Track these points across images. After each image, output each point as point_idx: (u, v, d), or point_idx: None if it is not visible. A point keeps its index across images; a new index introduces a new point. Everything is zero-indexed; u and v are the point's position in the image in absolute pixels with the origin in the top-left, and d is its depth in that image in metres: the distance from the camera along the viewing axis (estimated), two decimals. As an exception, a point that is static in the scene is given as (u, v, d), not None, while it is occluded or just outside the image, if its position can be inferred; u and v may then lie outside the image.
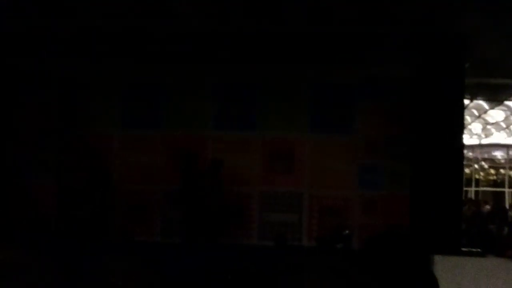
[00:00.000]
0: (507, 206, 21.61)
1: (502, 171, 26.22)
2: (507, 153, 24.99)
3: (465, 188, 20.15)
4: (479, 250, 10.49)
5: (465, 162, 18.05)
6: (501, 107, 19.32)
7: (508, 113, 20.16)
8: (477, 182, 26.34)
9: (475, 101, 18.32)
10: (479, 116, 20.95)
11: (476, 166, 26.19)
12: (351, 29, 10.63)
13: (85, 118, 12.78)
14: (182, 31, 10.96)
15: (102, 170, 12.06)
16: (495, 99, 18.00)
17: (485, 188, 26.50)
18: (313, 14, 9.74)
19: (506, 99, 17.96)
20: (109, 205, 12.13)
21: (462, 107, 12.78)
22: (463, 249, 10.72)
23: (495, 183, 26.79)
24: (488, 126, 23.08)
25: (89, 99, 12.83)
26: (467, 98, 16.66)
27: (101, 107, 12.83)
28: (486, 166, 26.79)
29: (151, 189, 12.67)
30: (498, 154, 25.83)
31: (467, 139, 22.88)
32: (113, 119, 12.83)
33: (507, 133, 23.58)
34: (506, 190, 25.08)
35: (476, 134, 24.39)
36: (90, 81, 12.81)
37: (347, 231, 12.08)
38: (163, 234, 12.58)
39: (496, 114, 20.79)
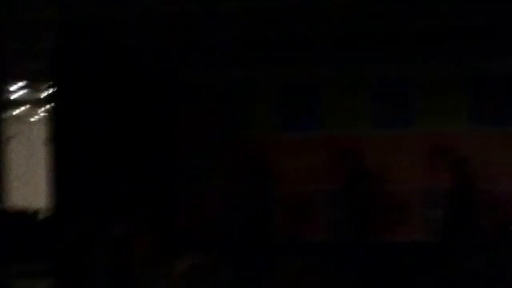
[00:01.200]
0: None
1: None
2: None
3: None
4: None
5: None
6: None
7: None
8: None
9: None
10: None
11: None
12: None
13: (247, 123, 13.09)
14: (331, 34, 11.00)
15: (264, 173, 12.31)
16: None
17: None
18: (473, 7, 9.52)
19: None
20: (274, 206, 12.40)
21: None
22: None
23: None
24: None
25: (251, 104, 13.15)
26: None
27: (262, 111, 13.11)
28: None
29: (316, 188, 12.80)
30: None
31: None
32: (274, 123, 13.07)
33: None
34: None
35: None
36: (252, 86, 13.15)
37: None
38: (329, 233, 12.67)
39: None
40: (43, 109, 18.78)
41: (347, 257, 10.90)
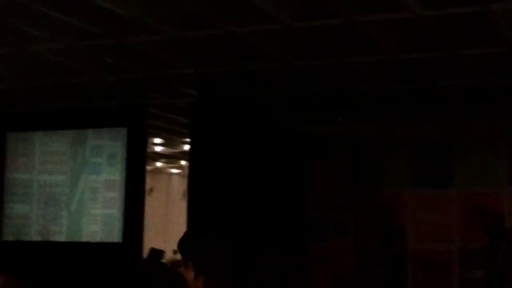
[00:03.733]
0: None
1: None
2: None
3: None
4: None
5: None
6: None
7: None
8: None
9: None
10: None
11: None
12: None
13: (377, 178, 13.04)
14: (466, 87, 10.85)
15: (397, 229, 12.18)
16: None
17: None
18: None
19: None
20: (404, 264, 12.22)
21: None
22: None
23: None
24: None
25: (380, 160, 13.11)
26: None
27: (391, 166, 13.04)
28: None
29: (446, 247, 12.54)
30: None
31: None
32: (403, 178, 12.97)
33: None
34: None
35: None
36: (381, 142, 13.12)
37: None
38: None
39: None
40: (183, 162, 19.40)
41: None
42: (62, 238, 11.36)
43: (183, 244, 3.75)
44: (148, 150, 15.12)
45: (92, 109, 11.77)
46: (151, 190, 19.34)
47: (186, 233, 3.88)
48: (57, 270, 11.01)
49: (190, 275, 3.65)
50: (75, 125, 11.56)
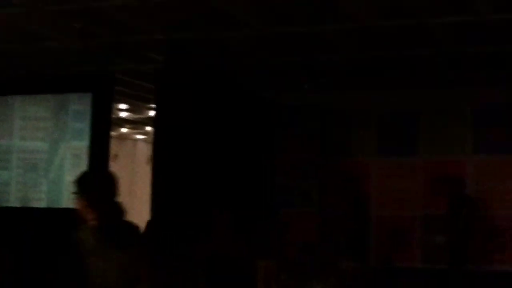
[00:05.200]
0: None
1: None
2: None
3: None
4: None
5: None
6: None
7: None
8: None
9: None
10: None
11: None
12: None
13: (344, 146, 13.14)
14: (436, 56, 10.90)
15: (362, 196, 12.29)
16: None
17: None
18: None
19: None
20: (368, 232, 12.37)
21: None
22: None
23: None
24: None
25: (347, 128, 13.21)
26: None
27: (358, 135, 13.14)
28: None
29: (410, 214, 12.72)
30: None
31: None
32: (370, 146, 13.09)
33: None
34: None
35: None
36: (350, 110, 13.19)
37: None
38: (424, 260, 12.54)
39: None
40: (148, 128, 19.29)
41: (444, 284, 10.76)
42: (42, 204, 11.23)
43: (79, 181, 4.67)
44: (114, 116, 15.00)
45: (57, 74, 11.64)
46: (116, 156, 19.22)
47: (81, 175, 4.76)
48: (37, 236, 10.91)
49: (81, 205, 4.60)
50: (41, 90, 11.38)
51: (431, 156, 12.76)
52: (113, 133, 15.35)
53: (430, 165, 12.75)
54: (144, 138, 22.10)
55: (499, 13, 8.43)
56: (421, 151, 12.84)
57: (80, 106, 11.09)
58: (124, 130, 20.58)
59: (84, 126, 11.03)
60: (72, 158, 11.06)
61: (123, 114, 17.28)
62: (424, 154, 12.81)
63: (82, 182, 4.70)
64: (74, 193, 4.67)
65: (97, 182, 4.77)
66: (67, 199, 10.76)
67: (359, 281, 8.46)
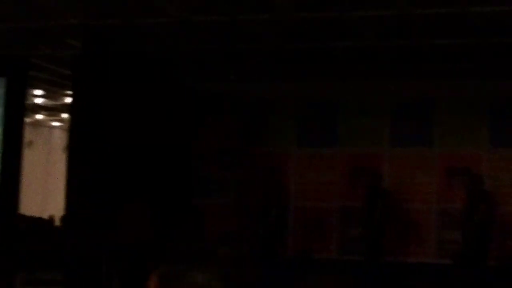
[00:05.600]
0: None
1: None
2: None
3: None
4: None
5: None
6: None
7: None
8: None
9: None
10: None
11: None
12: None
13: (264, 137, 13.12)
14: (357, 49, 10.99)
15: (278, 188, 12.29)
16: None
17: None
18: (491, 26, 9.50)
19: None
20: (286, 223, 12.40)
21: None
22: None
23: None
24: None
25: (268, 118, 13.18)
26: None
27: (278, 125, 13.14)
28: None
29: (328, 205, 12.81)
30: None
31: None
32: (289, 137, 13.10)
33: None
34: None
35: None
36: (269, 100, 13.16)
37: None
38: (342, 251, 12.67)
39: None
40: (64, 115, 18.87)
41: (360, 275, 10.88)
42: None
43: None
44: (29, 102, 14.60)
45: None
46: (31, 143, 18.72)
47: None
48: None
49: None
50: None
51: (350, 148, 12.87)
52: (28, 120, 14.95)
53: (349, 157, 12.86)
54: (61, 125, 21.60)
55: (418, 8, 8.54)
56: (340, 143, 12.93)
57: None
58: (39, 116, 20.05)
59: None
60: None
61: (39, 100, 16.83)
62: (343, 146, 12.90)
63: None
64: None
65: None
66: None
67: (239, 269, 8.49)
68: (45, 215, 15.58)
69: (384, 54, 10.81)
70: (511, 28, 9.52)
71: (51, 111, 18.87)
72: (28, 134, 15.45)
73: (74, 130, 10.99)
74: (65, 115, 18.81)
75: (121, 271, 9.29)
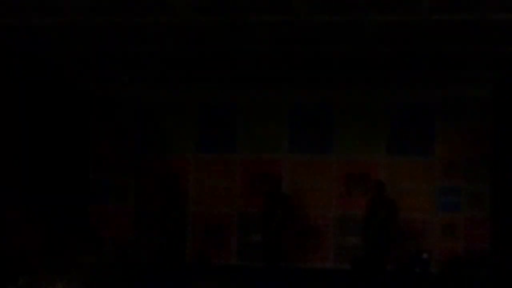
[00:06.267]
0: None
1: None
2: None
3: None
4: None
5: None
6: None
7: None
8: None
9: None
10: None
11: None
12: (428, 50, 10.48)
13: (162, 142, 12.94)
14: (258, 54, 10.96)
15: (177, 194, 12.14)
16: None
17: None
18: (389, 35, 9.63)
19: None
20: (184, 228, 12.27)
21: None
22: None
23: None
24: None
25: (165, 123, 13.00)
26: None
27: (177, 130, 12.98)
28: None
29: (227, 212, 12.74)
30: None
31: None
32: (189, 143, 12.97)
33: None
34: None
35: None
36: (167, 106, 13.00)
37: (425, 255, 11.90)
38: (240, 257, 12.61)
39: None
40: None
41: (259, 282, 10.84)
42: None
43: None
44: None
45: None
46: None
47: None
48: None
49: None
50: None
51: (249, 154, 12.83)
52: None
53: (248, 163, 12.82)
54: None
55: (319, 14, 8.58)
56: (239, 149, 12.88)
57: None
58: None
59: None
60: None
61: None
62: (243, 152, 12.86)
63: None
64: None
65: None
66: None
67: (99, 275, 8.37)
68: None
69: (283, 59, 10.82)
70: (408, 37, 9.69)
71: None
72: None
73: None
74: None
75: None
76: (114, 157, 12.93)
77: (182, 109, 12.99)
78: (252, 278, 11.17)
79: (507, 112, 11.64)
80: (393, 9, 8.39)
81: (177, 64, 11.23)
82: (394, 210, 11.42)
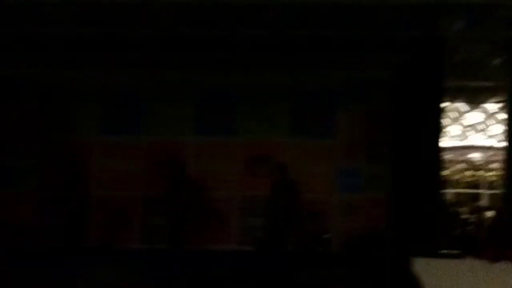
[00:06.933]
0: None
1: (479, 173, 26.37)
2: (485, 155, 25.18)
3: (443, 190, 20.19)
4: (457, 251, 10.52)
5: (443, 165, 18.15)
6: (478, 109, 19.49)
7: (486, 115, 20.31)
8: (455, 184, 26.48)
9: (453, 104, 18.47)
10: (457, 119, 21.11)
11: (454, 168, 26.35)
12: (330, 33, 10.65)
13: (65, 125, 12.70)
14: (162, 37, 10.89)
15: (79, 177, 11.96)
16: (473, 102, 18.14)
17: (463, 190, 26.65)
18: (292, 18, 9.74)
19: (484, 102, 18.11)
20: (87, 212, 12.12)
21: (442, 110, 12.85)
22: (442, 251, 10.77)
23: (472, 185, 26.94)
24: (466, 129, 23.26)
25: (68, 106, 12.74)
26: (446, 101, 16.78)
27: (79, 113, 12.75)
28: (463, 168, 26.94)
29: (131, 195, 12.63)
30: (476, 156, 26.00)
31: (445, 142, 23.01)
32: (92, 125, 12.75)
33: (484, 135, 23.78)
34: (484, 191, 25.26)
35: (454, 136, 24.55)
36: (70, 87, 12.73)
37: (326, 235, 12.13)
38: (144, 240, 12.54)
39: (474, 117, 20.95)
40: None
41: (164, 264, 10.81)
42: None
43: None
44: None
45: None
46: None
47: None
48: None
49: None
50: None
51: (153, 137, 12.75)
52: None
53: (153, 146, 12.75)
54: None
55: None
56: (144, 131, 12.77)
57: None
58: None
59: None
60: None
61: None
62: (147, 135, 12.77)
63: None
64: None
65: None
66: None
67: None
68: None
69: (187, 42, 10.79)
70: (308, 21, 9.82)
71: None
72: None
73: None
74: None
75: None
76: (16, 140, 12.60)
77: (86, 92, 12.76)
78: (156, 261, 11.14)
79: (406, 95, 11.98)
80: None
81: (79, 46, 11.04)
82: (296, 191, 11.60)
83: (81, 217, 11.87)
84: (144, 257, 11.29)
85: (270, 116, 12.73)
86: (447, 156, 24.55)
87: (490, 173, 25.49)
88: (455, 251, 10.45)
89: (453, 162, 25.76)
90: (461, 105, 19.14)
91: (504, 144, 12.93)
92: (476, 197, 25.33)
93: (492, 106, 18.81)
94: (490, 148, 24.38)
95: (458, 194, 26.10)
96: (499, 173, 23.16)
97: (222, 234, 12.64)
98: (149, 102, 12.80)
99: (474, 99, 17.53)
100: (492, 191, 24.64)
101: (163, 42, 10.84)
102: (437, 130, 12.31)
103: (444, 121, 18.41)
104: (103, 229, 12.49)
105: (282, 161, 12.14)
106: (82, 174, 12.15)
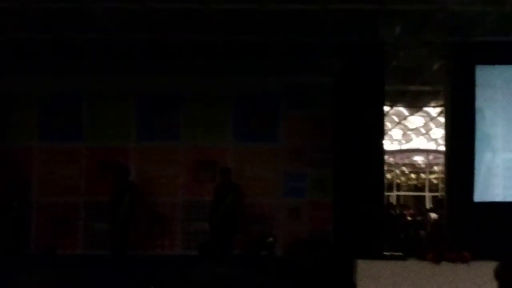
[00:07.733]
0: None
1: (422, 175, 26.81)
2: (427, 158, 25.61)
3: (386, 193, 20.48)
4: (400, 253, 10.65)
5: (386, 168, 18.40)
6: (420, 113, 19.79)
7: (427, 119, 20.64)
8: (398, 187, 26.87)
9: (395, 108, 18.72)
10: (399, 122, 21.40)
11: (397, 171, 26.72)
12: (272, 38, 10.72)
13: (5, 132, 12.52)
14: (103, 42, 10.81)
15: (20, 184, 11.81)
16: (414, 106, 18.43)
17: (406, 193, 27.05)
18: (234, 24, 9.78)
19: (425, 106, 18.41)
20: (28, 219, 11.96)
21: (383, 114, 13.02)
22: (385, 253, 10.90)
23: (415, 188, 27.37)
24: (408, 132, 23.61)
25: (9, 112, 12.58)
26: (388, 105, 17.02)
27: (20, 119, 12.60)
28: (406, 171, 27.35)
29: (73, 201, 12.52)
30: (418, 159, 26.43)
31: (388, 145, 23.34)
32: (32, 131, 12.61)
33: (426, 138, 24.17)
34: (426, 194, 25.67)
35: (396, 140, 24.91)
36: (10, 93, 12.57)
37: (271, 238, 12.17)
38: (86, 246, 12.43)
39: (416, 120, 21.28)
40: None
41: (105, 271, 10.73)
42: None
43: None
44: None
45: None
46: None
47: None
48: None
49: None
50: None
51: (96, 143, 12.65)
52: None
53: (95, 152, 12.65)
54: None
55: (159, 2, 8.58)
56: (85, 137, 12.67)
57: None
58: None
59: None
60: None
61: None
62: (89, 141, 12.66)
63: None
64: None
65: None
66: None
67: None
68: None
69: (128, 48, 10.76)
70: (250, 26, 9.87)
71: None
72: None
73: None
74: None
75: None
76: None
77: (26, 98, 12.61)
78: (98, 268, 11.06)
79: (347, 99, 12.11)
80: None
81: (23, 53, 10.90)
82: (240, 195, 11.65)
83: (21, 224, 11.72)
84: (86, 263, 11.20)
85: (214, 121, 12.74)
86: (390, 159, 25.00)
87: (433, 176, 25.98)
88: (399, 253, 10.59)
89: (396, 165, 26.19)
90: (403, 109, 19.42)
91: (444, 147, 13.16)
92: (419, 199, 25.76)
93: (433, 110, 19.13)
94: (432, 151, 24.86)
95: (401, 196, 26.51)
96: (441, 175, 23.64)
97: (165, 239, 12.59)
98: (90, 108, 12.68)
99: (416, 103, 17.79)
100: (435, 194, 25.11)
101: (105, 47, 10.77)
102: (379, 134, 12.46)
103: (387, 124, 18.78)
104: (45, 235, 12.35)
105: (226, 165, 12.17)
106: (23, 180, 11.99)
